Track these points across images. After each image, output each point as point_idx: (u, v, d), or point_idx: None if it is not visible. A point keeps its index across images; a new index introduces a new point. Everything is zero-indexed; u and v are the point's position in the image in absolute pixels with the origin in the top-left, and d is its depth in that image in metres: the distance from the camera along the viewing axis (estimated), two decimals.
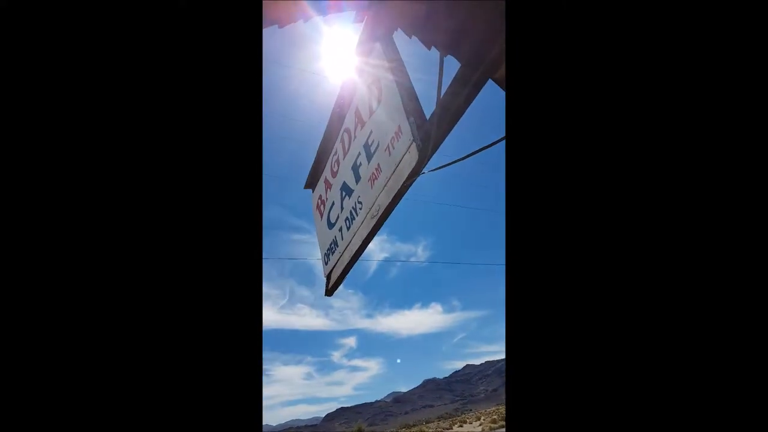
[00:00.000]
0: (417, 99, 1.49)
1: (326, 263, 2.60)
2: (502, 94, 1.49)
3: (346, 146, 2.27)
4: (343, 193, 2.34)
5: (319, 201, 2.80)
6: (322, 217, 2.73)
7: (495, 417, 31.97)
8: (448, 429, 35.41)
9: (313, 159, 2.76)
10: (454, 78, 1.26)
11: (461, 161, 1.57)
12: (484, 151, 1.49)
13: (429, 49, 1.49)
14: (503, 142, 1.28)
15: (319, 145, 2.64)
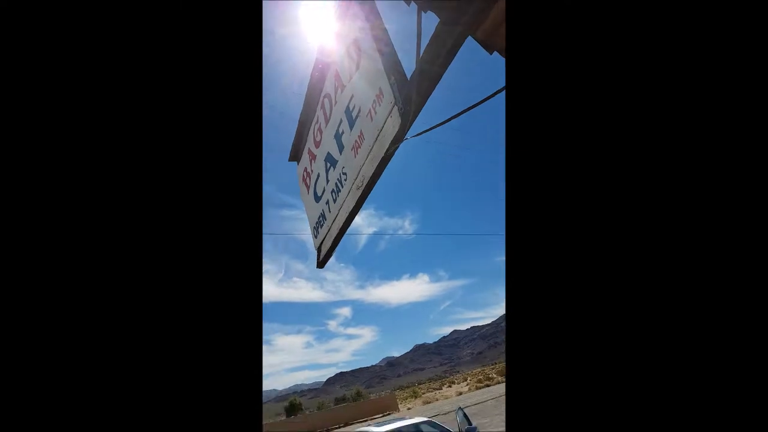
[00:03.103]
0: (397, 59, 1.44)
1: (316, 236, 2.61)
2: (484, 54, 1.45)
3: (328, 113, 2.20)
4: (328, 164, 2.30)
5: (305, 173, 2.75)
6: (308, 191, 2.70)
7: (480, 377, 34.24)
8: (438, 389, 37.83)
9: (295, 129, 2.68)
10: (432, 36, 1.22)
11: (443, 125, 1.55)
12: (464, 114, 1.48)
13: (408, 5, 1.42)
14: (487, 101, 1.27)
15: (300, 113, 2.55)
